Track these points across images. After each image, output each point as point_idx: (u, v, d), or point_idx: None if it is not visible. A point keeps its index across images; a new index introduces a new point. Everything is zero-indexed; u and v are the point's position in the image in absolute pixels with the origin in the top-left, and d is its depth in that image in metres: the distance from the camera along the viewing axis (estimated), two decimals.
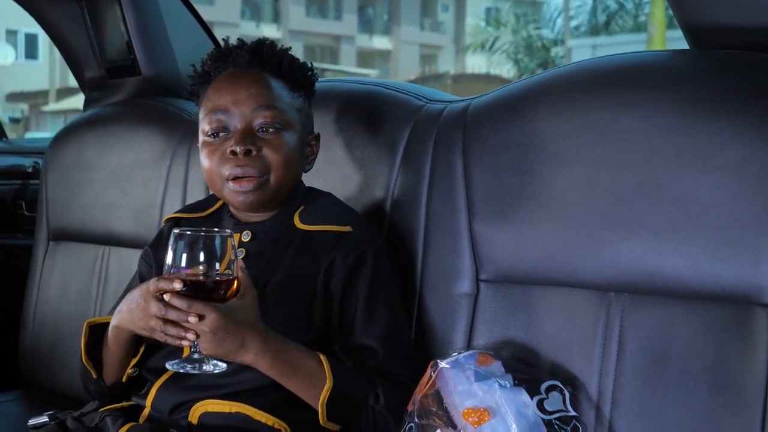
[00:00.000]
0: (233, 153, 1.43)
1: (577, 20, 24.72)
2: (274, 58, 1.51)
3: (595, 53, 21.10)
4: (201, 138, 1.49)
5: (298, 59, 1.54)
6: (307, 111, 1.55)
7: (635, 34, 21.51)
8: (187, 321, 1.22)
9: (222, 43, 1.59)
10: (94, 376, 1.49)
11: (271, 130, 1.45)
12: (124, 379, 1.50)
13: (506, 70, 25.21)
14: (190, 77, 1.56)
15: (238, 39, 1.55)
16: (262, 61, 1.50)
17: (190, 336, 1.24)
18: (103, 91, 2.52)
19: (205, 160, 1.48)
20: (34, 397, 2.21)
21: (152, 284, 1.25)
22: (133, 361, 1.48)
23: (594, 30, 23.91)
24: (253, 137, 1.44)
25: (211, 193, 1.62)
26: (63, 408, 1.64)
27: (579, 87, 1.42)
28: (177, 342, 1.27)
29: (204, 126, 1.48)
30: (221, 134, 1.46)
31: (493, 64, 25.70)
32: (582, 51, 22.43)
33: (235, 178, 1.44)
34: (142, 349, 1.48)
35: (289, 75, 1.52)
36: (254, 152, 1.43)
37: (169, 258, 1.23)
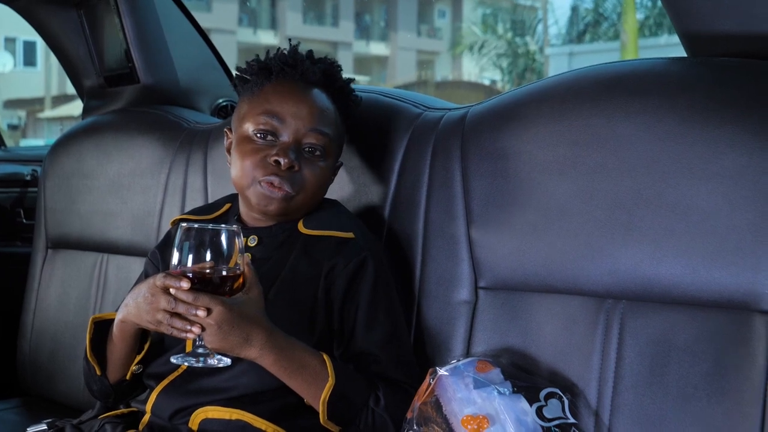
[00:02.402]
0: (276, 162, 1.43)
1: (557, 28, 25.08)
2: (339, 82, 1.53)
3: (571, 60, 21.45)
4: (242, 132, 1.49)
5: (354, 90, 1.57)
6: (343, 141, 1.58)
7: (612, 42, 21.74)
8: (195, 315, 1.23)
9: (216, 51, 1.59)
10: (98, 372, 1.49)
11: (316, 153, 1.47)
12: (128, 376, 1.50)
13: (494, 76, 25.39)
14: (247, 63, 1.56)
15: (309, 51, 1.55)
16: (329, 83, 1.52)
17: (196, 329, 1.25)
18: (102, 99, 2.53)
19: (240, 158, 1.48)
20: (33, 404, 2.21)
21: (159, 279, 1.25)
22: (138, 358, 1.48)
23: (573, 38, 24.17)
24: (298, 153, 1.45)
25: (211, 200, 1.62)
26: (62, 416, 1.64)
27: (577, 95, 1.43)
28: (182, 335, 1.27)
29: (249, 123, 1.48)
30: (268, 137, 1.46)
31: (484, 71, 25.83)
32: (559, 58, 22.72)
33: (269, 183, 1.44)
34: (147, 346, 1.48)
35: (345, 104, 1.55)
36: (296, 168, 1.44)
37: (176, 252, 1.24)
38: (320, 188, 1.50)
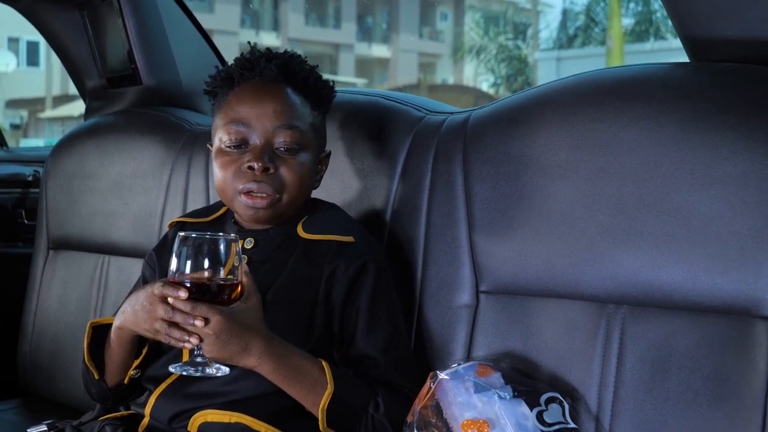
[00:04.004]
0: (250, 168, 1.43)
1: (549, 31, 25.25)
2: (301, 74, 1.51)
3: (559, 65, 21.66)
4: (216, 145, 1.49)
5: (321, 77, 1.55)
6: (322, 130, 1.56)
7: (602, 47, 21.90)
8: (193, 324, 1.23)
9: (219, 53, 1.59)
10: (96, 376, 1.49)
11: (290, 150, 1.45)
12: (126, 381, 1.50)
13: (492, 79, 25.50)
14: (210, 77, 1.55)
15: (267, 49, 1.54)
16: (289, 77, 1.50)
17: (194, 340, 1.25)
18: (104, 100, 2.53)
19: (219, 170, 1.48)
20: (33, 405, 2.21)
21: (158, 288, 1.25)
22: (136, 363, 1.48)
23: (563, 42, 24.29)
24: (271, 155, 1.44)
25: (212, 202, 1.62)
26: (62, 417, 1.64)
27: (580, 99, 1.43)
28: (180, 344, 1.27)
29: (222, 135, 1.47)
30: (240, 146, 1.45)
31: (480, 75, 25.93)
32: (548, 63, 22.93)
33: (248, 193, 1.44)
34: (144, 351, 1.48)
35: (313, 93, 1.52)
36: (272, 170, 1.43)
37: (173, 261, 1.24)
38: (304, 183, 1.48)
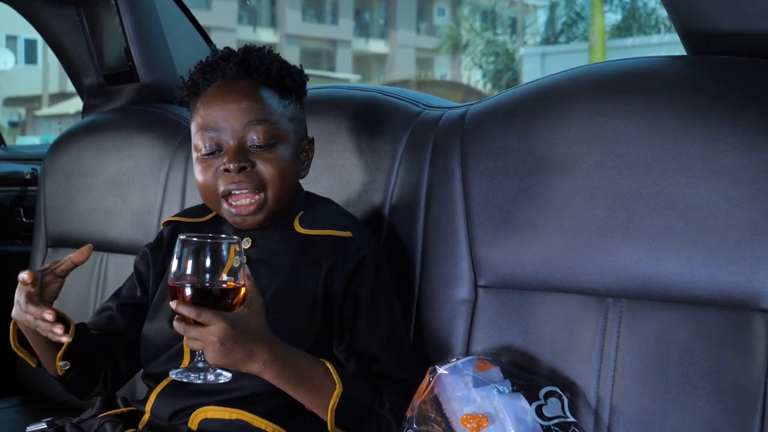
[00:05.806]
0: (227, 170, 1.42)
1: (536, 27, 25.20)
2: (262, 67, 1.48)
3: (543, 61, 21.78)
4: (194, 154, 1.48)
5: (286, 64, 1.52)
6: (299, 117, 1.53)
7: (586, 43, 21.91)
8: (52, 332, 1.31)
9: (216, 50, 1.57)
10: (33, 364, 1.50)
11: (264, 145, 1.44)
12: (60, 372, 1.46)
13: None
14: (178, 88, 1.53)
15: (226, 48, 1.52)
16: (250, 72, 1.47)
17: (57, 330, 1.31)
18: (102, 97, 2.52)
19: (199, 176, 1.47)
20: (33, 403, 2.20)
21: (21, 275, 1.35)
22: (59, 354, 1.44)
23: (549, 38, 24.32)
24: (246, 153, 1.43)
25: None
26: (61, 415, 1.63)
27: (577, 93, 1.43)
28: (46, 334, 1.34)
29: (197, 142, 1.46)
30: (215, 152, 1.44)
31: (470, 69, 25.94)
32: (533, 59, 23.04)
33: (230, 195, 1.43)
34: (65, 345, 1.43)
35: (279, 82, 1.49)
36: (248, 168, 1.42)
37: (174, 263, 1.21)
38: (286, 176, 1.46)
